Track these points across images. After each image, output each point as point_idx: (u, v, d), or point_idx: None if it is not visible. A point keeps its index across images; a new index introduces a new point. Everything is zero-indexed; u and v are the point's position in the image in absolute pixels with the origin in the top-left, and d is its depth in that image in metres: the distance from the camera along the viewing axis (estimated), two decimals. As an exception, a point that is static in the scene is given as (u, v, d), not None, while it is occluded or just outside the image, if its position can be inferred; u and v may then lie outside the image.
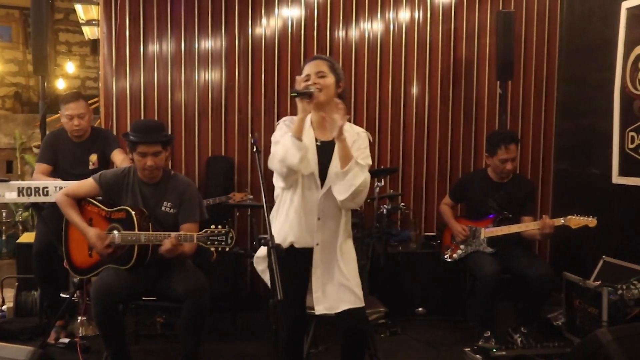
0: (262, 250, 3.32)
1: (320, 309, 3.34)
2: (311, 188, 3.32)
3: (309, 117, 3.36)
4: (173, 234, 3.85)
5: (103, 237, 3.99)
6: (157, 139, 4.08)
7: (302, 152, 3.17)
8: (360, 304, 3.35)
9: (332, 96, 3.33)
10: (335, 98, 3.34)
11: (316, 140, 3.36)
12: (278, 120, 6.06)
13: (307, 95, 3.22)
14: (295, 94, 3.22)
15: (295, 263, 3.35)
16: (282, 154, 3.18)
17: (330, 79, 3.33)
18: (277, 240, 3.05)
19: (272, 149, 3.32)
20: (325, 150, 3.32)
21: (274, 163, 3.26)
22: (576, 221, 4.71)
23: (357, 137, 3.35)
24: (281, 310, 3.40)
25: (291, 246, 3.33)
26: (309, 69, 3.36)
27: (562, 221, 4.76)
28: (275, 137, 3.36)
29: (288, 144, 3.17)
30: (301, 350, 3.57)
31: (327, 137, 3.34)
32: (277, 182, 3.35)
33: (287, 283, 3.28)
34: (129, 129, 4.27)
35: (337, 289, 3.34)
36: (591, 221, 4.66)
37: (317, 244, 3.34)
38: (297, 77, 3.34)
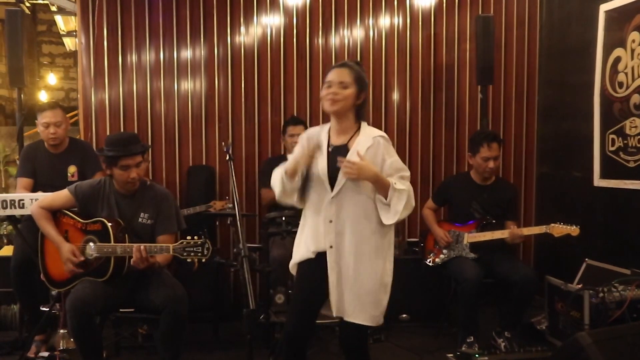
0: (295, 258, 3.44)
1: (335, 311, 3.33)
2: (322, 192, 3.33)
3: (327, 124, 3.46)
4: (144, 244, 3.82)
5: (77, 254, 3.97)
6: (138, 149, 4.06)
7: (283, 187, 3.31)
8: (371, 322, 3.35)
9: (348, 108, 3.33)
10: (352, 107, 3.35)
11: (329, 146, 3.37)
12: (258, 128, 6.16)
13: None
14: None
15: (315, 269, 3.36)
16: (272, 182, 3.36)
17: (350, 91, 3.30)
18: (300, 249, 3.31)
19: None
20: (337, 154, 3.31)
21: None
22: (559, 229, 4.70)
23: (376, 145, 3.33)
24: (288, 317, 3.45)
25: (316, 253, 3.36)
26: (332, 75, 3.34)
27: (545, 229, 4.76)
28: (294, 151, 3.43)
29: (277, 177, 3.35)
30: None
31: (341, 142, 3.37)
32: None
33: (303, 291, 3.38)
34: (101, 147, 4.20)
35: (353, 297, 3.32)
36: (574, 230, 4.65)
37: (331, 247, 3.31)
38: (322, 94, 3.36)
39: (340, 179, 3.28)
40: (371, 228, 3.34)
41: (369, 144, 3.30)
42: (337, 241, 3.31)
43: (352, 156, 3.24)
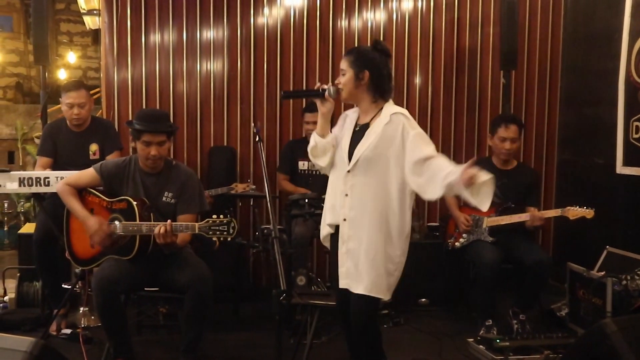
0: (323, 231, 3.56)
1: (342, 283, 3.41)
2: (342, 167, 3.45)
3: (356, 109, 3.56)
4: (170, 221, 3.83)
5: (104, 226, 3.97)
6: (163, 128, 4.09)
7: (314, 144, 3.46)
8: (376, 293, 3.35)
9: (353, 92, 3.43)
10: (360, 89, 3.43)
11: (355, 126, 3.50)
12: (280, 109, 6.16)
13: (314, 95, 3.43)
14: (285, 97, 3.36)
15: (336, 243, 3.46)
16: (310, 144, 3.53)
17: (347, 76, 3.42)
18: (325, 222, 3.47)
19: None
20: (360, 132, 3.45)
21: None
22: (574, 212, 4.73)
23: (395, 121, 3.37)
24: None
25: (333, 226, 3.49)
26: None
27: (560, 212, 4.79)
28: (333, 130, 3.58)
29: (312, 137, 3.51)
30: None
31: (366, 121, 3.48)
32: None
33: (334, 265, 3.48)
34: (130, 119, 4.23)
35: (361, 268, 3.35)
36: (588, 212, 4.66)
37: (344, 220, 3.39)
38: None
39: (356, 154, 3.37)
40: (386, 204, 3.36)
41: (386, 121, 3.38)
42: (351, 215, 3.38)
43: (369, 134, 3.38)
